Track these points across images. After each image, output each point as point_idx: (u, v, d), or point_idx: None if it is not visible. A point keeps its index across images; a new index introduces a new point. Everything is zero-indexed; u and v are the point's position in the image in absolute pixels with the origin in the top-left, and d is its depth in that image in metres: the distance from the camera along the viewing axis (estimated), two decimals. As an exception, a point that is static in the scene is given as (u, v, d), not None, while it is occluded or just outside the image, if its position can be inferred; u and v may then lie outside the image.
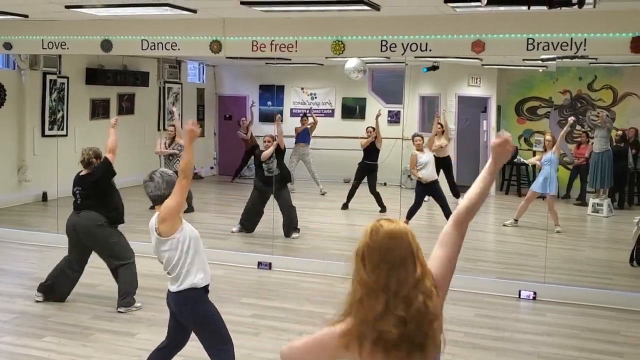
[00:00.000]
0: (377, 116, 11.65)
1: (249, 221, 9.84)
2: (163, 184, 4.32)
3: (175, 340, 4.49)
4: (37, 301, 6.64)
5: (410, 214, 10.16)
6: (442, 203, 10.16)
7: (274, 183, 9.47)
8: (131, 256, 6.69)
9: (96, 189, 6.55)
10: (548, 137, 10.56)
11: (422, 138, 10.64)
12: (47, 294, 6.67)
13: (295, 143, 13.34)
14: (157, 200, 4.33)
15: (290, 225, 9.64)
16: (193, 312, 4.29)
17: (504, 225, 10.71)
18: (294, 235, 9.63)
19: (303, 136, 13.46)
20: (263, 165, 9.65)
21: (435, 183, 10.24)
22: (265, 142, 9.78)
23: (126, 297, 6.52)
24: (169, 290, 4.34)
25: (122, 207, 6.81)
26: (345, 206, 11.89)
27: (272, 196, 9.56)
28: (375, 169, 11.77)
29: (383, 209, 11.37)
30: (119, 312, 6.44)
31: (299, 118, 14.43)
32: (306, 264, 8.16)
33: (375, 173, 11.75)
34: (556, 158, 10.40)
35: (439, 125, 11.77)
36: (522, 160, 13.38)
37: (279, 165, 9.70)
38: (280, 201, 9.56)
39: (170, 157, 11.01)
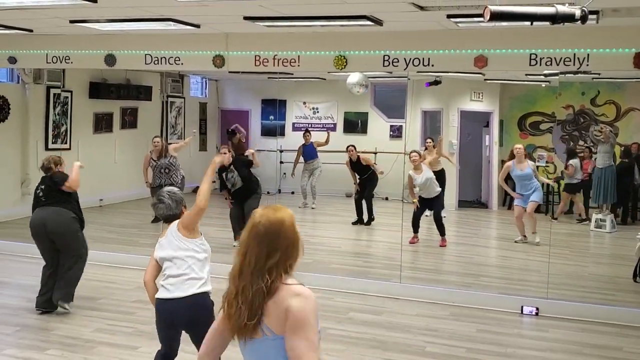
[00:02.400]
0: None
1: (238, 233, 9.78)
2: (173, 204, 4.51)
3: (175, 348, 4.57)
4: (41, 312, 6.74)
5: (415, 227, 10.19)
6: (435, 220, 10.23)
7: (240, 196, 9.54)
8: (86, 252, 6.85)
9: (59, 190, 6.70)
10: (520, 147, 10.37)
11: (419, 154, 10.59)
12: (45, 307, 6.73)
13: (305, 162, 13.29)
14: (170, 219, 4.50)
15: None
16: (209, 314, 4.33)
17: (515, 242, 10.57)
18: None
19: (310, 153, 13.41)
20: (225, 180, 9.60)
21: (437, 197, 10.26)
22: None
23: (69, 294, 6.67)
24: (175, 298, 4.32)
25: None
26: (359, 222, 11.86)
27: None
28: (368, 182, 11.83)
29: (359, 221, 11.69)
30: (59, 305, 6.62)
31: (300, 133, 14.43)
32: (307, 278, 8.05)
33: (371, 183, 11.81)
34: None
35: (428, 140, 11.99)
36: None
37: (246, 178, 9.63)
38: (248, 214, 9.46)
39: (167, 170, 10.83)
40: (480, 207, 13.87)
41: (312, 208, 13.07)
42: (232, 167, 9.59)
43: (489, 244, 11.59)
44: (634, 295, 8.01)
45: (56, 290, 6.67)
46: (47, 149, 11.78)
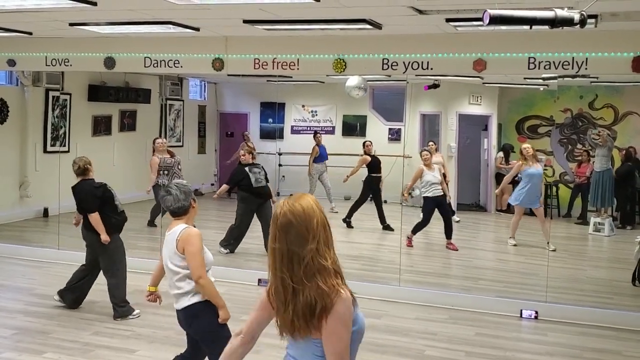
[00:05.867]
0: None
1: (237, 241, 9.69)
2: (181, 195, 4.37)
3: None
4: (58, 304, 6.94)
5: (416, 230, 10.18)
6: (447, 220, 10.19)
7: (259, 197, 9.45)
8: (123, 264, 6.85)
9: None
10: (530, 150, 10.37)
11: (431, 154, 10.61)
12: (63, 297, 6.95)
13: (318, 163, 13.26)
14: (178, 213, 4.38)
15: None
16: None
17: (515, 245, 10.60)
18: None
19: (325, 153, 13.38)
20: (250, 175, 9.49)
21: (443, 197, 10.27)
22: (241, 155, 9.77)
23: (121, 306, 6.69)
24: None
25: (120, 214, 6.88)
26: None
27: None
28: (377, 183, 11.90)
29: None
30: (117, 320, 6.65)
31: (299, 136, 14.41)
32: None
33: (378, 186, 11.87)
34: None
35: (431, 143, 12.10)
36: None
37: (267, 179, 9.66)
38: (266, 216, 9.44)
39: (166, 172, 10.95)
40: (478, 210, 13.88)
41: (336, 212, 12.96)
42: (257, 163, 9.68)
43: (487, 247, 11.59)
44: (633, 299, 8.01)
45: (113, 310, 6.75)
46: (45, 151, 11.79)
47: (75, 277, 6.97)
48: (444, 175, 11.80)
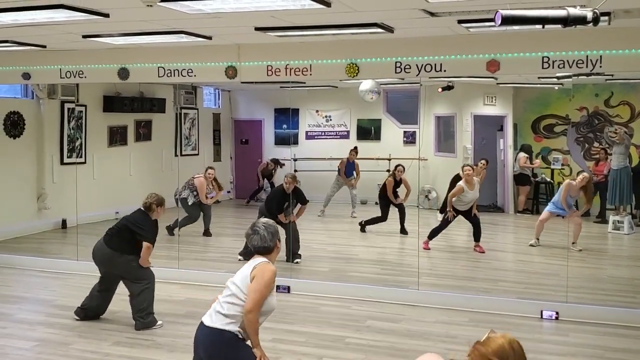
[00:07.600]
0: None
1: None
2: (268, 236, 4.23)
3: None
4: (76, 319, 6.91)
5: (433, 235, 10.16)
6: (475, 224, 10.23)
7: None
8: (151, 278, 6.81)
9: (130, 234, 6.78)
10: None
11: (473, 168, 10.42)
12: (82, 317, 6.92)
13: (342, 176, 13.38)
14: (263, 252, 4.23)
15: (295, 250, 9.34)
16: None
17: (531, 245, 10.57)
18: (297, 260, 9.33)
19: (350, 170, 13.44)
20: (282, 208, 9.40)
21: (467, 211, 10.31)
22: (285, 183, 9.41)
23: (146, 317, 6.66)
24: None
25: None
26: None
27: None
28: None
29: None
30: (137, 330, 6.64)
31: (314, 141, 14.44)
32: (325, 287, 8.12)
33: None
34: None
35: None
36: (545, 177, 13.47)
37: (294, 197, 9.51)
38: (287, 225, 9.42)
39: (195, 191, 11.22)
40: (496, 212, 13.80)
41: (355, 217, 12.98)
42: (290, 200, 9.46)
43: (506, 249, 11.51)
44: (655, 297, 7.92)
45: (135, 322, 6.71)
46: (62, 163, 11.89)
47: (94, 301, 6.92)
48: None
